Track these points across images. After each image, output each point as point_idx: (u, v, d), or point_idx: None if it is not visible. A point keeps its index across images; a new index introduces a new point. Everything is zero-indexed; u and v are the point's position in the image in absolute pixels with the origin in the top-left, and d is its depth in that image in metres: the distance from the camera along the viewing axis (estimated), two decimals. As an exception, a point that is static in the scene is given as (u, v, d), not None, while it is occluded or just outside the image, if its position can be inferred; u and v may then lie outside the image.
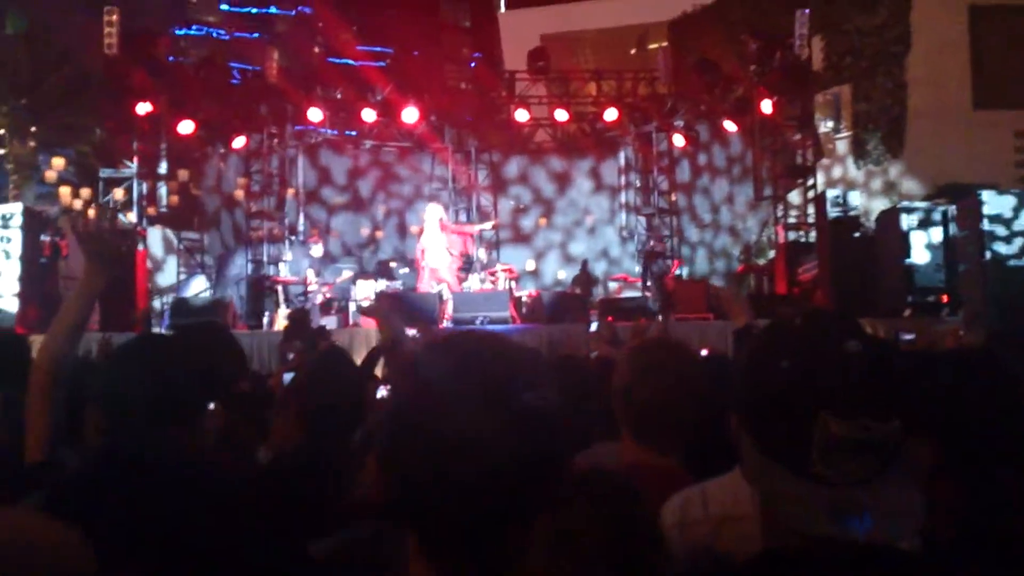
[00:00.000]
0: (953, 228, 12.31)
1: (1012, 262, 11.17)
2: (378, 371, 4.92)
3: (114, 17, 13.42)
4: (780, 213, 15.52)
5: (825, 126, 17.55)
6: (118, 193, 14.20)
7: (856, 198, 13.96)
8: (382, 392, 4.09)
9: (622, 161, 18.63)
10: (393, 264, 15.77)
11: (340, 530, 1.84)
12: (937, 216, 12.55)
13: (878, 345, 1.23)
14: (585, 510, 1.35)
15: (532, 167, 19.09)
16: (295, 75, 15.65)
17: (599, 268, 18.16)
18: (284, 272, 14.78)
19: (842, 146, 17.82)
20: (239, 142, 15.40)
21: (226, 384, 3.01)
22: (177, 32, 16.24)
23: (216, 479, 1.93)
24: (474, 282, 14.41)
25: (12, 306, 12.15)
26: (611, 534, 1.34)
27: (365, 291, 13.53)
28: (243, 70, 15.52)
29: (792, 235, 15.01)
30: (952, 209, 12.42)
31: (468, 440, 1.08)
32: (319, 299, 13.66)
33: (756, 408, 1.26)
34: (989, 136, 16.04)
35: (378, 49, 17.94)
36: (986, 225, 11.26)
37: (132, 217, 14.14)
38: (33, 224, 12.87)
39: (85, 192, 15.04)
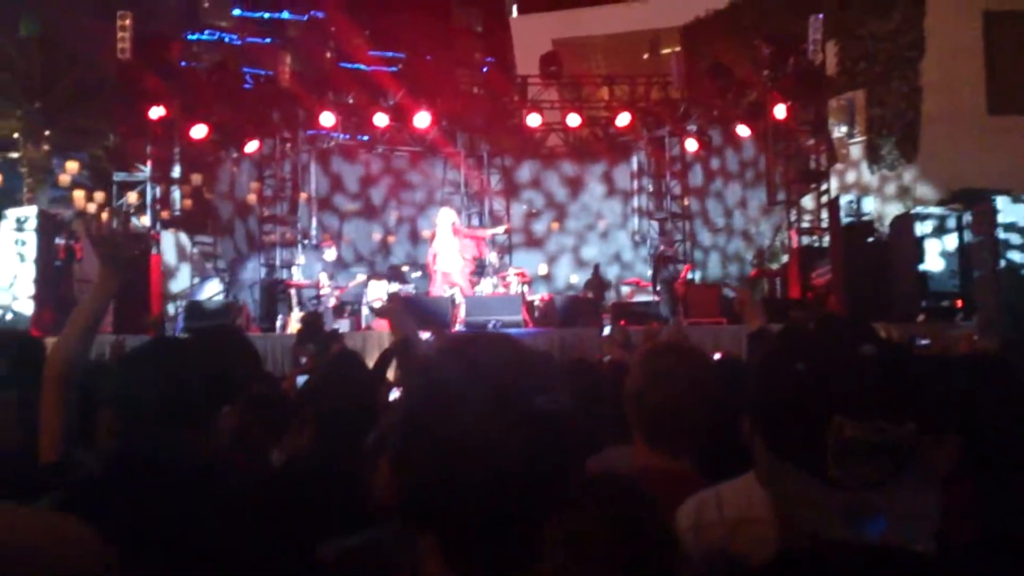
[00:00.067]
0: (968, 234, 12.26)
1: (1026, 270, 11.14)
2: (390, 374, 4.92)
3: (127, 21, 13.51)
4: (793, 218, 15.47)
5: (839, 131, 17.52)
6: (132, 197, 14.27)
7: (870, 203, 13.93)
8: (394, 394, 4.09)
9: (634, 165, 18.62)
10: (405, 268, 15.79)
11: (352, 532, 1.84)
12: (951, 223, 12.50)
13: (893, 348, 1.23)
14: (595, 512, 1.35)
15: (544, 171, 19.11)
16: (307, 80, 15.72)
17: (611, 272, 18.15)
18: (297, 276, 14.83)
19: (856, 151, 17.77)
20: (252, 146, 15.47)
21: (240, 387, 3.02)
22: (190, 37, 16.36)
23: (227, 482, 1.94)
24: (486, 286, 14.42)
25: (27, 309, 12.23)
26: (620, 536, 1.35)
27: (377, 291, 13.56)
28: (255, 75, 15.61)
29: (805, 240, 14.98)
30: (967, 216, 12.37)
31: (479, 442, 1.08)
32: (332, 302, 13.70)
33: (770, 411, 1.25)
34: (1003, 141, 15.95)
35: (390, 54, 18.04)
36: (1001, 233, 11.22)
37: (146, 221, 14.20)
38: (47, 227, 12.95)
39: (99, 196, 15.13)
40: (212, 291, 15.24)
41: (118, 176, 14.59)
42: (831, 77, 16.90)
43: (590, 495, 1.38)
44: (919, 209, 13.33)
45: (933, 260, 12.38)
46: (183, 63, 14.90)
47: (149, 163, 14.32)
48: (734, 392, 2.09)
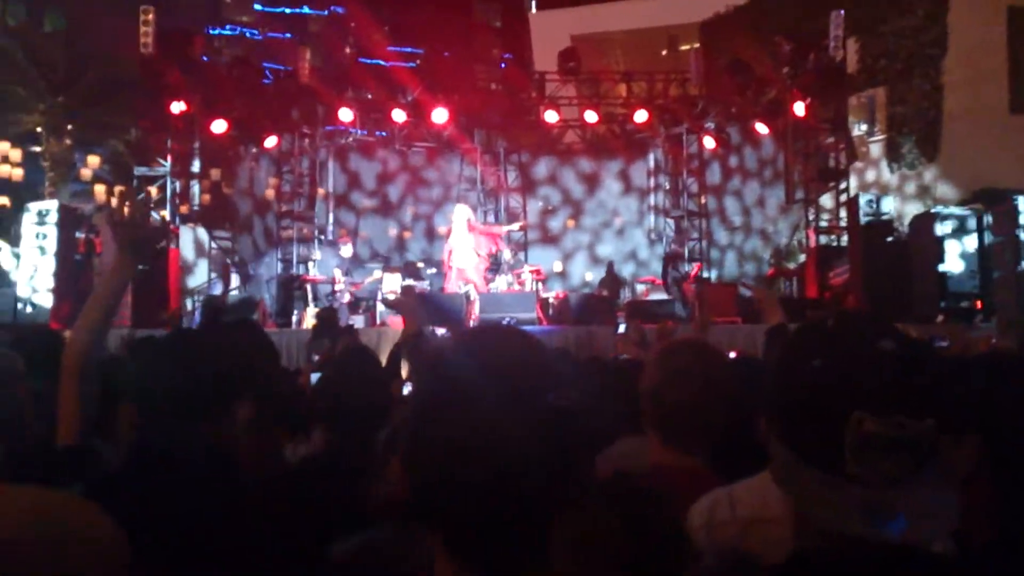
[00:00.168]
0: (988, 235, 12.16)
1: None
2: (404, 369, 4.92)
3: (150, 16, 13.60)
4: (811, 217, 15.37)
5: (859, 129, 17.40)
6: (152, 191, 14.37)
7: (889, 202, 13.82)
8: (407, 390, 4.09)
9: (652, 163, 18.56)
10: (420, 265, 15.82)
11: (365, 529, 1.85)
12: (972, 223, 12.40)
13: (912, 344, 1.22)
14: (606, 511, 1.35)
15: (561, 168, 19.08)
16: (327, 75, 15.77)
17: (627, 270, 18.10)
18: (313, 272, 14.89)
19: (876, 149, 17.65)
20: (271, 142, 15.54)
21: (257, 381, 3.03)
22: (211, 32, 16.45)
23: (240, 477, 1.94)
24: (501, 283, 14.42)
25: (46, 302, 12.34)
26: (631, 534, 1.34)
27: (391, 284, 13.60)
28: (275, 70, 15.67)
29: (823, 239, 14.87)
30: (988, 216, 12.27)
31: (491, 439, 1.07)
32: (347, 298, 13.74)
33: (788, 408, 1.24)
34: (1026, 140, 15.81)
35: (409, 50, 18.07)
36: (1022, 234, 11.12)
37: (165, 215, 14.30)
38: (68, 221, 13.07)
39: (119, 190, 15.24)
40: (230, 285, 15.33)
41: (139, 170, 14.70)
42: (852, 74, 16.77)
43: (603, 493, 1.37)
44: (939, 209, 13.24)
45: (953, 261, 12.28)
46: (204, 58, 14.97)
47: (169, 157, 14.41)
48: (750, 391, 2.08)
